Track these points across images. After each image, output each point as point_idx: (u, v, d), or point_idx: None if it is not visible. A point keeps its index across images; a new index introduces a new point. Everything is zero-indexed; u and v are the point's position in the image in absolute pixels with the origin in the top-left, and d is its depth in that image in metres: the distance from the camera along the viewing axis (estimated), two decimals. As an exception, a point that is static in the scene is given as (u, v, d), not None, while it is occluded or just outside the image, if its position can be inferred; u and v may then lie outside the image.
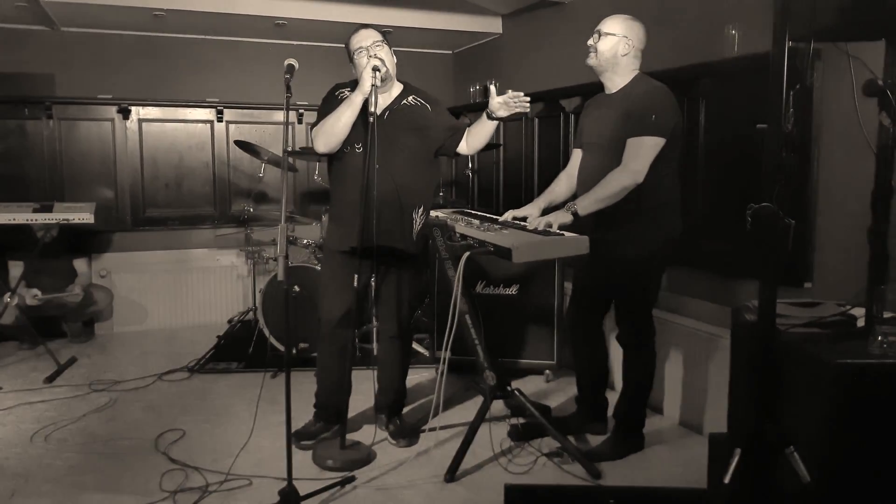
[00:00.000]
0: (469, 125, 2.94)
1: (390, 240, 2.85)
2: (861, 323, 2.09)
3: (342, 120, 2.76)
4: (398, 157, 2.85)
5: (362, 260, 2.76)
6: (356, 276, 2.76)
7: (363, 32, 2.87)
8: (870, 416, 1.86)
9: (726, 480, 1.92)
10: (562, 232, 2.63)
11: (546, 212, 2.83)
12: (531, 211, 2.87)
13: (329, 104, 2.87)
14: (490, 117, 2.77)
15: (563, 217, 2.65)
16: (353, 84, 2.83)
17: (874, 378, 1.85)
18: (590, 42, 2.82)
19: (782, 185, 1.87)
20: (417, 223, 2.95)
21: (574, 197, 2.87)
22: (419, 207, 2.94)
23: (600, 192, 2.67)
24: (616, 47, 2.76)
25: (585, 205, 2.66)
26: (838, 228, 2.70)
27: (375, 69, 2.69)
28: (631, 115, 2.69)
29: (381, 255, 2.85)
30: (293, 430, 2.45)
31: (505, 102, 2.67)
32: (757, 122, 2.64)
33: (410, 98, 2.95)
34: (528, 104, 2.67)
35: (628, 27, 2.78)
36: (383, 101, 2.87)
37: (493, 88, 2.70)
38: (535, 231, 2.63)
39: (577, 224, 2.68)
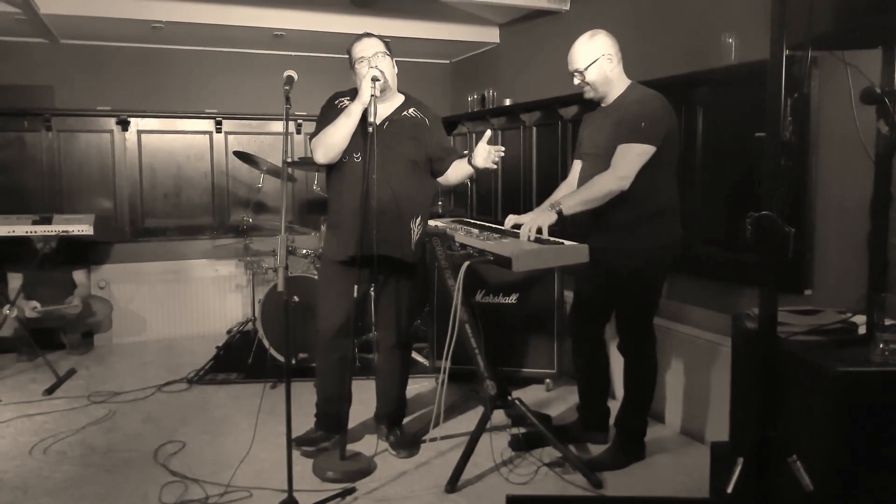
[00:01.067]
0: (459, 155, 2.99)
1: (388, 249, 2.85)
2: (862, 330, 2.09)
3: (341, 131, 2.77)
4: (396, 167, 2.85)
5: (361, 269, 2.76)
6: (355, 286, 2.75)
7: (366, 42, 2.87)
8: (872, 424, 1.86)
9: (729, 489, 1.91)
10: (562, 240, 2.63)
11: None
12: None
13: (328, 113, 2.88)
14: (470, 162, 2.82)
15: (549, 217, 2.64)
16: (353, 93, 2.83)
17: (876, 386, 1.85)
18: (577, 82, 2.82)
19: (781, 193, 1.87)
20: (415, 233, 2.95)
21: None
22: (417, 217, 2.94)
23: (586, 194, 2.68)
24: (602, 70, 2.76)
25: (570, 204, 2.67)
26: (838, 236, 2.70)
27: (375, 79, 2.69)
28: (622, 122, 2.70)
29: (379, 264, 2.85)
30: (294, 437, 2.44)
31: (488, 151, 2.72)
32: (755, 130, 2.64)
33: (411, 110, 2.95)
34: (496, 162, 2.74)
35: (599, 45, 2.75)
36: (383, 110, 2.87)
37: (488, 133, 2.76)
38: (531, 240, 2.63)
39: (577, 232, 2.69)
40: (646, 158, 2.65)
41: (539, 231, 2.62)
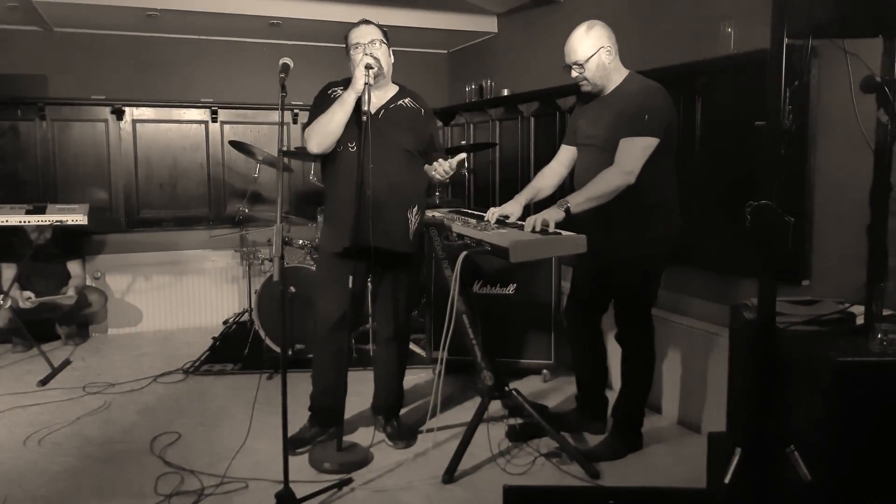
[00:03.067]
0: (442, 154, 2.99)
1: (385, 240, 2.82)
2: (860, 320, 2.09)
3: (335, 120, 2.74)
4: (392, 157, 2.82)
5: (358, 261, 2.74)
6: (351, 277, 2.74)
7: (363, 28, 2.84)
8: (870, 414, 1.86)
9: (726, 480, 1.91)
10: (559, 231, 2.62)
11: (528, 207, 2.80)
12: (513, 208, 2.84)
13: (322, 103, 2.84)
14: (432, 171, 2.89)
15: (556, 214, 2.62)
16: (346, 82, 2.79)
17: (874, 376, 1.85)
18: (574, 75, 2.78)
19: (781, 182, 1.86)
20: (412, 223, 2.93)
21: (560, 193, 2.86)
22: (413, 207, 2.92)
23: (592, 191, 2.65)
24: (600, 62, 2.73)
25: (578, 202, 2.64)
26: (837, 225, 2.69)
27: (368, 67, 2.66)
28: (624, 115, 2.68)
29: (376, 255, 2.83)
30: (288, 435, 2.43)
31: (445, 171, 2.78)
32: (754, 120, 2.63)
33: (407, 99, 2.93)
34: (446, 174, 2.81)
35: (597, 37, 2.72)
36: (378, 99, 2.84)
37: (462, 156, 2.85)
38: (532, 230, 2.61)
39: (575, 223, 2.67)
40: (650, 151, 2.63)
41: (546, 224, 2.60)
